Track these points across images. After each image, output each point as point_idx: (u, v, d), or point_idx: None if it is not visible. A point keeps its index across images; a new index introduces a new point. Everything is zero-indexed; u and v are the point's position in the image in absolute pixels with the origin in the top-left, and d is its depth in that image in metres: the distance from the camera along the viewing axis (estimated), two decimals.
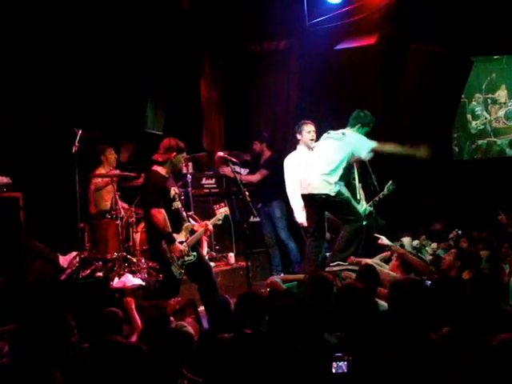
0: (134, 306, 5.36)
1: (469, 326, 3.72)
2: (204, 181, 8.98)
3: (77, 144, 7.23)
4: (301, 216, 7.86)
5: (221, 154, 7.70)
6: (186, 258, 6.28)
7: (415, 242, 8.41)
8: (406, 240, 8.07)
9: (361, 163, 8.14)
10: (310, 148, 7.88)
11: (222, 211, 6.85)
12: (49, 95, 8.21)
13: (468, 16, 9.64)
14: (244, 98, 10.79)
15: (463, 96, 11.58)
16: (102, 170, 8.33)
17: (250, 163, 9.48)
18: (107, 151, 8.40)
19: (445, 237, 8.86)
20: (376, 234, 7.38)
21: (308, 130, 7.94)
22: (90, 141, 7.77)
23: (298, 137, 8.01)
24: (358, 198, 8.10)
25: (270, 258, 9.15)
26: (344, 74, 9.97)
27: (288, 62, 10.37)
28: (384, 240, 7.21)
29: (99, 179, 8.28)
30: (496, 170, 10.72)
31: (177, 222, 6.34)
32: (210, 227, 6.72)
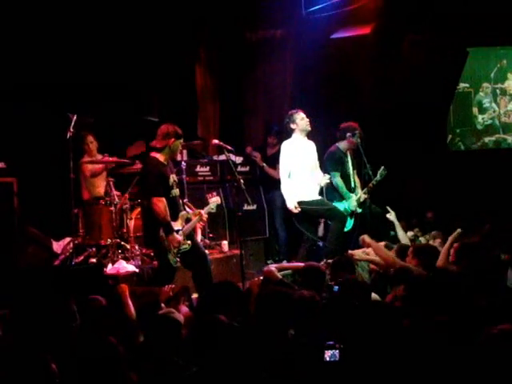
0: (127, 293, 5.35)
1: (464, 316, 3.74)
2: (198, 168, 8.97)
3: (71, 129, 7.20)
4: (291, 202, 7.82)
5: (216, 141, 7.69)
6: (182, 247, 6.29)
7: (410, 234, 8.46)
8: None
9: (356, 153, 8.17)
10: (306, 132, 7.90)
11: (214, 200, 6.87)
12: (44, 79, 8.17)
13: (464, 6, 9.63)
14: (239, 86, 10.76)
15: (468, 85, 10.67)
16: (87, 158, 8.23)
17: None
18: (87, 139, 8.17)
19: (435, 226, 8.94)
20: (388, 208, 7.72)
21: (301, 117, 7.88)
22: (83, 126, 7.73)
23: (293, 126, 7.89)
24: (353, 186, 8.15)
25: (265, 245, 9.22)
26: (340, 63, 9.97)
27: (284, 50, 10.35)
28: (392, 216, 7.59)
29: (94, 165, 8.22)
30: (491, 161, 10.69)
31: (174, 210, 6.33)
32: (205, 216, 6.74)
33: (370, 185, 7.95)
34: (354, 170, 8.22)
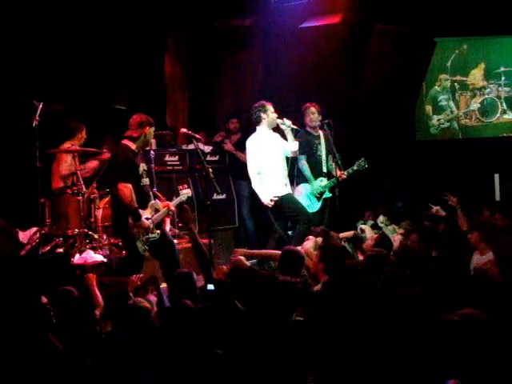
0: (95, 283, 5.33)
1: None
2: (167, 158, 8.94)
3: (37, 118, 7.10)
4: (265, 197, 7.74)
5: (184, 130, 7.64)
6: (151, 235, 6.29)
7: (381, 219, 8.55)
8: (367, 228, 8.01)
9: (327, 142, 8.17)
10: (273, 126, 7.83)
11: (185, 192, 6.92)
12: (10, 66, 8.06)
13: None
14: (208, 75, 10.71)
15: None
16: (68, 144, 8.11)
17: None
18: (83, 131, 8.10)
19: (404, 215, 8.98)
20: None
21: (272, 110, 7.81)
22: (51, 114, 7.63)
23: (263, 116, 7.76)
24: (325, 170, 8.26)
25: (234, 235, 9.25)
26: (309, 52, 9.94)
27: (253, 38, 10.31)
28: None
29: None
30: (456, 151, 10.73)
31: (144, 199, 6.36)
32: (173, 208, 6.74)
33: (342, 173, 8.03)
34: (328, 154, 8.22)
